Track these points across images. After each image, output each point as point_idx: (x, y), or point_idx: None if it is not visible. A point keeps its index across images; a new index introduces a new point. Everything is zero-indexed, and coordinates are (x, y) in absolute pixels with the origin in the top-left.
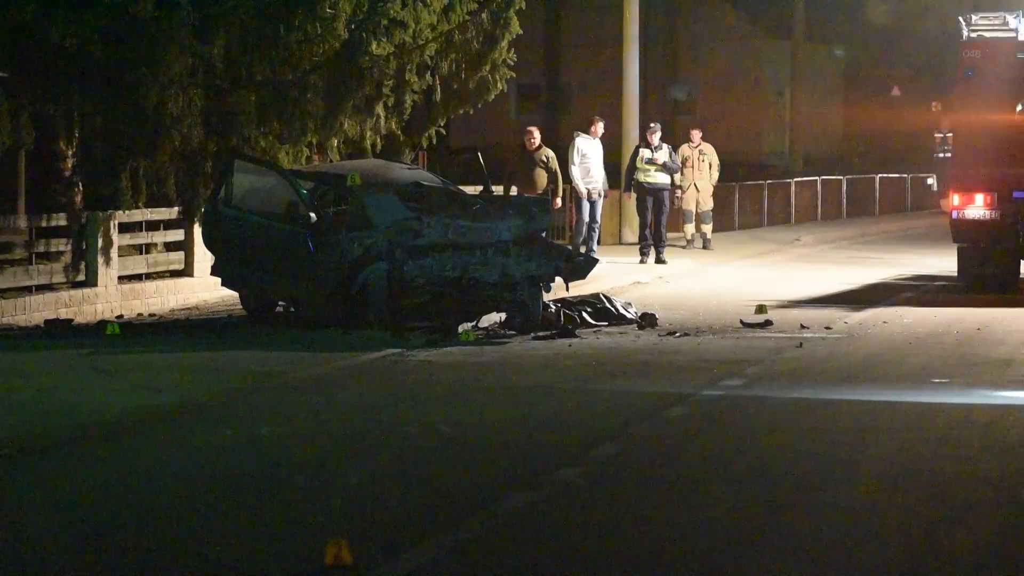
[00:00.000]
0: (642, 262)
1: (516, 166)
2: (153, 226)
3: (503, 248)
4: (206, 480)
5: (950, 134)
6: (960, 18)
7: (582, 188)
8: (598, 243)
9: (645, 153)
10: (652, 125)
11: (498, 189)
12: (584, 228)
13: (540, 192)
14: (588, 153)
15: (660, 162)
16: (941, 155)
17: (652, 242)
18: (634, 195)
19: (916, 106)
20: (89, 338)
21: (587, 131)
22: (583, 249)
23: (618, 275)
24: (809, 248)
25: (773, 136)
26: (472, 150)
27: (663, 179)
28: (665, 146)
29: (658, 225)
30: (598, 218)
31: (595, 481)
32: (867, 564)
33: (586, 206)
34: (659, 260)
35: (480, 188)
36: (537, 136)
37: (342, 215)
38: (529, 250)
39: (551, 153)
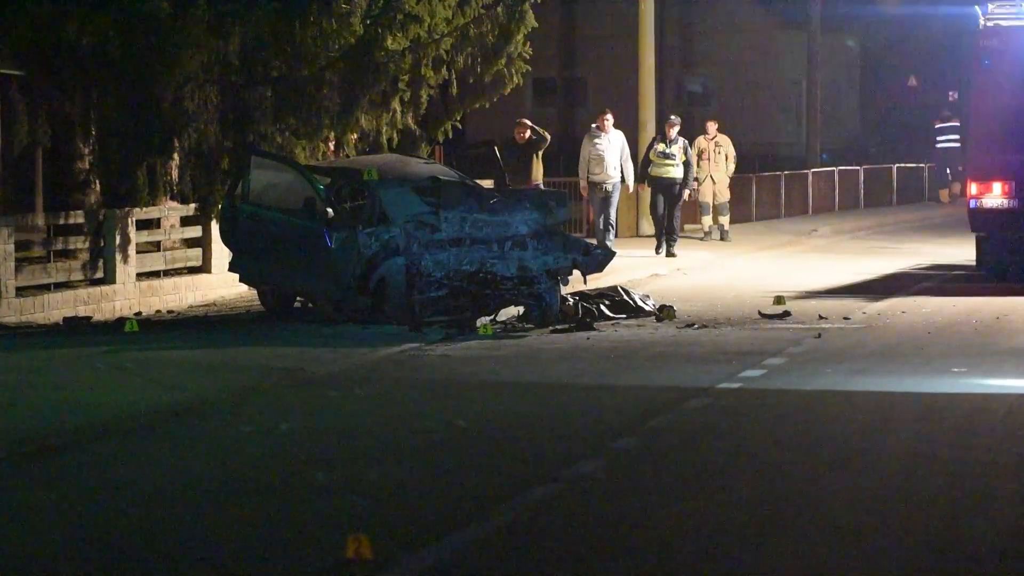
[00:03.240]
0: (657, 253)
1: (508, 159)
2: (170, 223)
3: (520, 242)
4: (225, 476)
5: (949, 124)
6: (976, 7)
7: (583, 183)
8: (615, 235)
9: (659, 147)
10: (672, 118)
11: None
12: (601, 222)
13: (535, 184)
14: (601, 148)
15: (682, 158)
16: (941, 145)
17: (666, 234)
18: (648, 188)
19: (933, 95)
20: (108, 335)
21: (598, 125)
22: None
23: (636, 267)
24: (826, 239)
25: (789, 127)
26: (488, 144)
27: (675, 172)
28: (681, 140)
29: (670, 218)
30: (612, 212)
31: (615, 474)
32: (887, 554)
33: (595, 199)
34: (669, 253)
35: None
36: (528, 128)
37: (359, 210)
38: (546, 243)
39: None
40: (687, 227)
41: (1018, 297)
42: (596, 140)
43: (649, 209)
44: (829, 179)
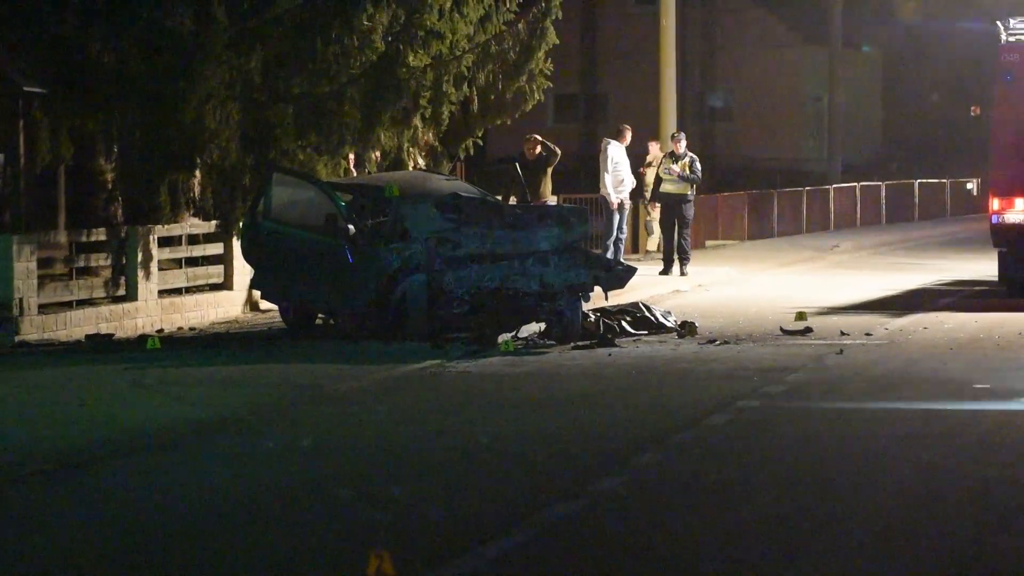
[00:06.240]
0: (663, 272)
1: (516, 177)
2: (192, 240)
3: (541, 258)
4: (248, 493)
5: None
6: (998, 22)
7: (613, 198)
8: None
9: (666, 163)
10: (676, 134)
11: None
12: (612, 241)
13: (544, 201)
14: (620, 161)
15: (676, 173)
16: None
17: (677, 253)
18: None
19: (955, 111)
20: (130, 352)
21: (617, 138)
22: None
23: (657, 284)
24: (848, 254)
25: (811, 142)
26: (510, 160)
27: (674, 188)
28: (688, 154)
29: (679, 236)
30: (624, 228)
31: (636, 490)
32: (910, 571)
33: (616, 216)
34: (681, 272)
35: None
36: (539, 144)
37: (380, 227)
38: (568, 259)
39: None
40: (709, 243)
41: None
42: (622, 154)
43: (660, 226)
44: (851, 195)
